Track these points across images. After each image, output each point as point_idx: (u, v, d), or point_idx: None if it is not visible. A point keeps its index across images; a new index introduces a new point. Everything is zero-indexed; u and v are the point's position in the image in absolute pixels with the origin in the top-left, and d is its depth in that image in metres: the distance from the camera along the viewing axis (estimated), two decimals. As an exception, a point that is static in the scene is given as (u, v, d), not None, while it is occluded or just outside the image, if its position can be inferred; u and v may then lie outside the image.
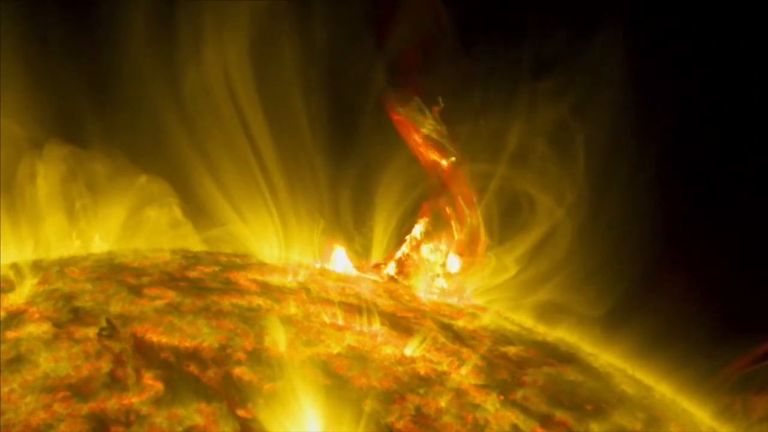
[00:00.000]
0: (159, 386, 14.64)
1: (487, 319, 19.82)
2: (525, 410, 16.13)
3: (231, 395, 14.77)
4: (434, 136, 23.17)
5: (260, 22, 22.62)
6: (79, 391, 14.36)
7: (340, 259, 21.91)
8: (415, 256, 22.59)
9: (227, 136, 22.38)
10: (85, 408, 14.05)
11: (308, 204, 22.62)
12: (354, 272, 21.62)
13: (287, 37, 22.84)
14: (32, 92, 21.62)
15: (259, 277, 18.73)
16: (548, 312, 22.15)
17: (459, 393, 16.20)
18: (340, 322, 17.45)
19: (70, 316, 16.10)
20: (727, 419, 20.18)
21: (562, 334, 20.95)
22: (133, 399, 14.37)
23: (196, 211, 22.22)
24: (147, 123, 22.89)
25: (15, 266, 17.82)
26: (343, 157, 23.34)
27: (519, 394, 16.59)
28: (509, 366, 17.58)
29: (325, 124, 23.43)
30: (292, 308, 17.53)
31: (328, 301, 18.04)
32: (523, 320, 21.34)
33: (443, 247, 22.81)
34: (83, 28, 22.55)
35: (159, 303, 16.75)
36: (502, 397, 16.24)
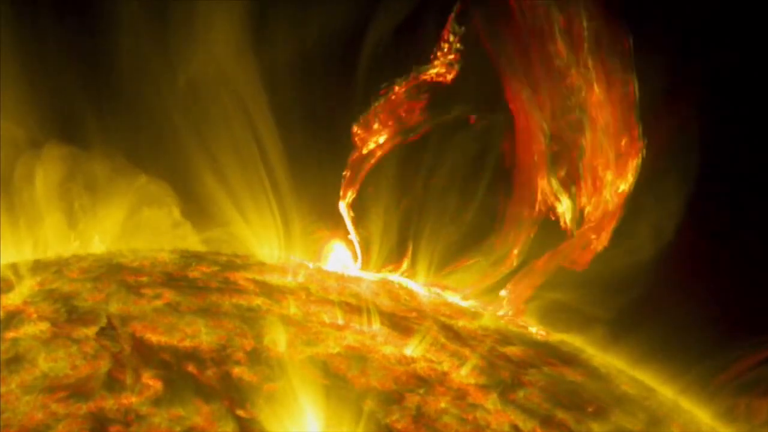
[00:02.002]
0: (158, 386, 14.60)
1: (487, 319, 19.79)
2: (525, 410, 16.08)
3: (230, 395, 14.73)
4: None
5: (261, 16, 22.52)
6: (78, 391, 14.32)
7: (340, 256, 21.91)
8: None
9: (229, 133, 22.31)
10: (83, 408, 14.02)
11: (309, 201, 22.57)
12: (354, 269, 21.63)
13: (287, 32, 22.73)
14: (31, 93, 21.60)
15: (258, 277, 18.69)
16: (552, 312, 22.06)
17: (459, 393, 16.16)
18: (340, 322, 17.42)
19: (68, 315, 16.07)
20: (730, 422, 20.09)
21: (564, 336, 20.86)
22: (132, 399, 14.33)
23: (197, 211, 22.18)
24: (147, 122, 22.85)
25: (13, 266, 17.81)
26: (339, 151, 23.22)
27: (520, 395, 16.54)
28: (510, 366, 17.53)
29: (325, 120, 23.28)
30: (291, 308, 17.50)
31: (327, 301, 18.02)
32: (524, 320, 21.28)
33: None
34: (82, 27, 22.50)
35: (158, 303, 16.71)
36: (502, 397, 16.18)
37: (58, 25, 22.41)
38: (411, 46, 23.16)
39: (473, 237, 22.90)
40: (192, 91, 22.49)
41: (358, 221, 23.03)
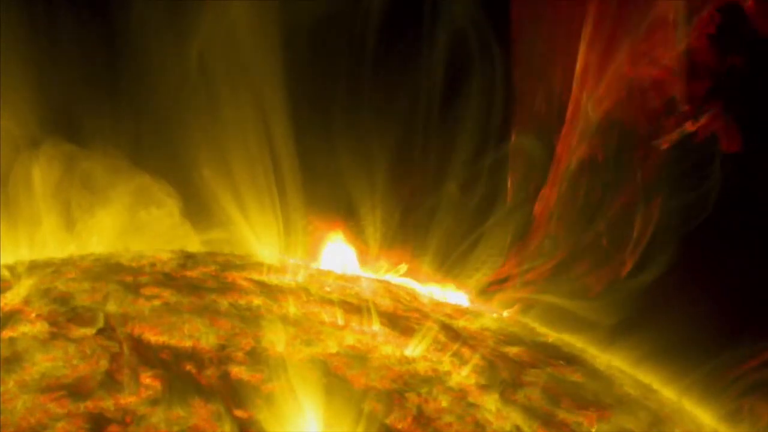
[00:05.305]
0: (157, 386, 14.56)
1: (488, 319, 19.71)
2: (527, 410, 16.02)
3: (229, 395, 14.67)
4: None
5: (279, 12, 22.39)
6: (76, 390, 14.27)
7: (340, 255, 21.86)
8: None
9: (238, 128, 22.22)
10: (81, 408, 13.97)
11: (312, 200, 22.48)
12: (354, 269, 21.55)
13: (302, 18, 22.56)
14: (30, 89, 21.56)
15: (257, 277, 18.63)
16: (553, 313, 21.98)
17: (460, 393, 16.10)
18: (340, 321, 17.35)
19: (66, 315, 16.01)
20: (734, 424, 20.00)
21: (565, 336, 20.79)
22: (130, 399, 14.29)
23: (197, 210, 22.10)
24: (149, 119, 22.77)
25: (11, 266, 17.78)
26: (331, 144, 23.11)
27: (521, 395, 16.47)
28: (511, 366, 17.45)
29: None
30: (291, 308, 17.44)
31: (327, 301, 17.95)
32: (525, 321, 21.21)
33: None
34: (92, 22, 22.43)
35: (156, 302, 16.66)
36: (503, 398, 16.10)
37: (60, 19, 22.32)
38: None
39: (475, 231, 22.82)
40: (201, 85, 22.42)
41: (357, 219, 23.01)
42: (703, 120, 21.18)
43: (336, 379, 15.60)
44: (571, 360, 18.87)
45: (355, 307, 17.90)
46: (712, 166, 21.94)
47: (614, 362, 20.28)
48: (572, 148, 22.39)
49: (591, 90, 21.92)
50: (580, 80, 22.07)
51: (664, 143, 21.56)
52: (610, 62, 21.62)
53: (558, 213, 22.82)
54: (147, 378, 14.68)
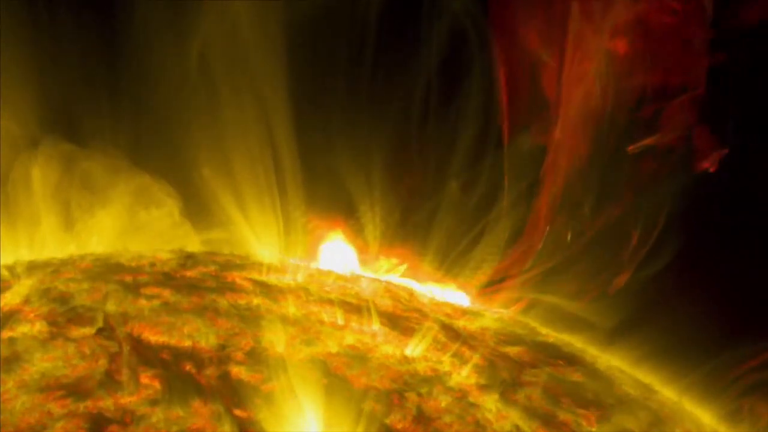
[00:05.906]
0: (156, 386, 14.53)
1: (488, 319, 19.68)
2: (527, 410, 15.99)
3: (229, 395, 14.65)
4: None
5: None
6: (75, 390, 14.25)
7: (340, 255, 21.84)
8: None
9: (240, 127, 22.19)
10: (81, 408, 13.94)
11: (313, 200, 22.45)
12: (354, 268, 21.53)
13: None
14: (30, 89, 21.55)
15: (257, 277, 18.61)
16: (554, 313, 21.96)
17: (460, 393, 16.08)
18: (340, 321, 17.33)
19: (66, 315, 15.99)
20: (733, 424, 19.98)
21: (566, 336, 20.77)
22: (130, 399, 14.26)
23: (197, 210, 22.07)
24: (149, 118, 22.73)
25: (10, 266, 17.76)
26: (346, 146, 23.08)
27: (521, 395, 16.45)
28: (511, 366, 17.42)
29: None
30: (291, 308, 17.42)
31: (327, 301, 17.92)
32: (525, 321, 21.18)
33: None
34: (85, 21, 22.40)
35: (156, 302, 16.64)
36: (504, 397, 16.09)
37: (61, 17, 22.29)
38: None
39: (476, 229, 22.78)
40: (201, 85, 22.40)
41: (357, 218, 22.99)
42: (680, 124, 21.22)
43: (336, 379, 15.58)
44: (572, 360, 18.85)
45: (355, 307, 17.88)
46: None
47: (614, 362, 20.25)
48: (566, 145, 22.40)
49: (577, 79, 21.96)
50: (569, 71, 22.13)
51: (633, 149, 21.59)
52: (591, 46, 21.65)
53: (556, 212, 22.82)
54: (146, 378, 14.65)
